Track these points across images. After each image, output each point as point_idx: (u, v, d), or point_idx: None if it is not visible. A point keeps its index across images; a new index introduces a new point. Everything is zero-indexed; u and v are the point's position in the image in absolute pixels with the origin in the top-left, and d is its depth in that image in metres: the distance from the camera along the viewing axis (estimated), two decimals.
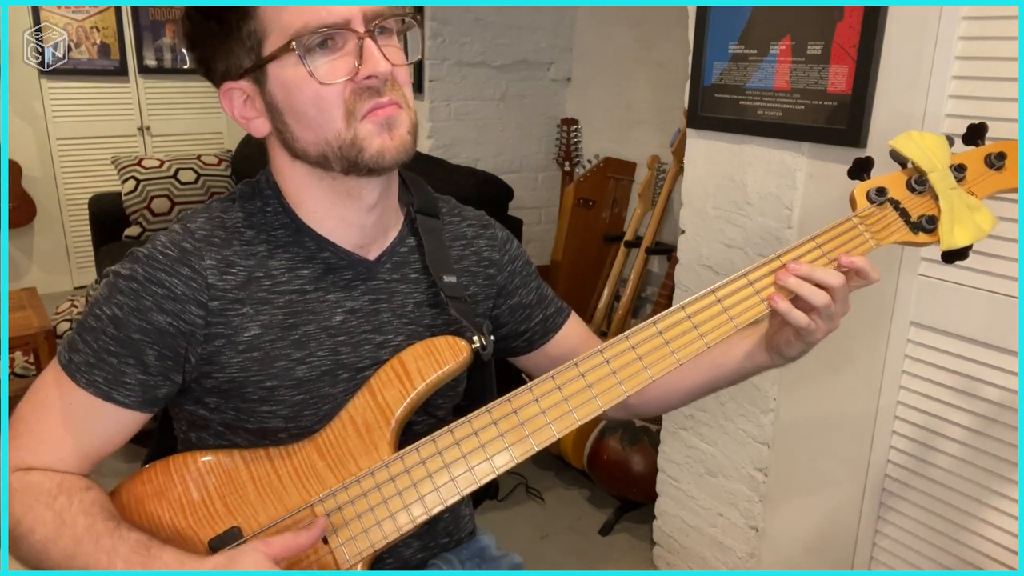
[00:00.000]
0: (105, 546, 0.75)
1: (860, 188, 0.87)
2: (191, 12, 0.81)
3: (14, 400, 0.84)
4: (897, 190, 0.86)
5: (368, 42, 0.77)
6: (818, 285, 0.81)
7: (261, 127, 0.84)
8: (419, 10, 2.88)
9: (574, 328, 1.06)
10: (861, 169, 0.87)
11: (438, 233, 0.95)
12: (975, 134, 0.88)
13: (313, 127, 0.80)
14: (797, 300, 0.82)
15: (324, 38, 0.77)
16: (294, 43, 0.76)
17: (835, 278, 0.81)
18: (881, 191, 0.86)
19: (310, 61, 0.77)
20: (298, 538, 0.77)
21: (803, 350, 0.88)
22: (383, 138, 0.80)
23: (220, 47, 0.81)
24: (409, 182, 0.97)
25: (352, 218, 0.87)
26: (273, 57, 0.78)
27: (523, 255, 1.05)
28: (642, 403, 1.02)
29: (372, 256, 0.91)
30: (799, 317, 0.82)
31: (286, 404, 0.85)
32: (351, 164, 0.80)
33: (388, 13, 0.80)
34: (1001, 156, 0.87)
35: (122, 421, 0.83)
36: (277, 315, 0.84)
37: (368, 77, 0.77)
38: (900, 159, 0.87)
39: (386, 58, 0.78)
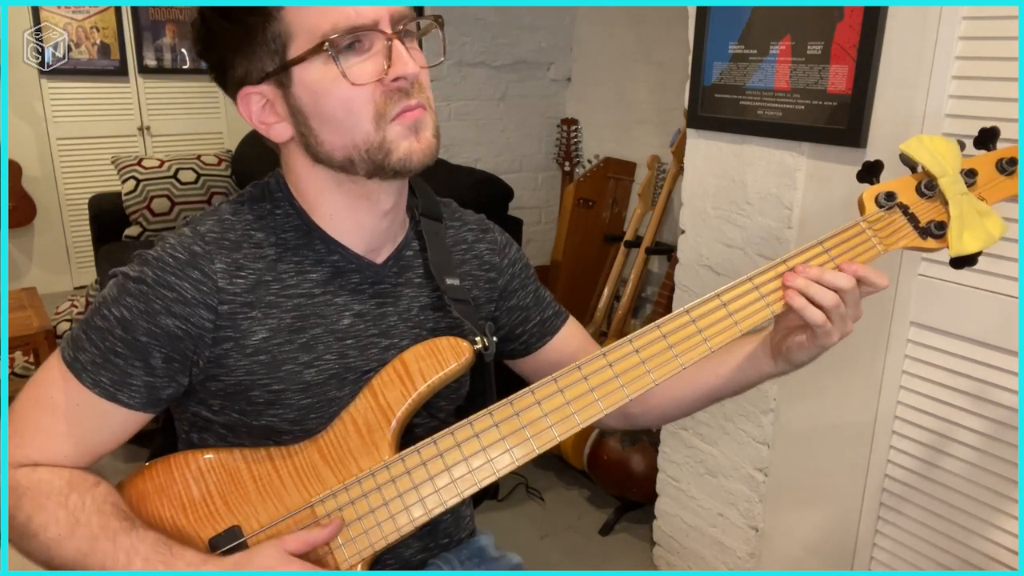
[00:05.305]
0: (123, 544, 0.75)
1: (869, 192, 0.85)
2: (208, 14, 0.80)
3: (14, 400, 0.84)
4: (906, 195, 0.85)
5: (397, 43, 0.77)
6: (827, 287, 0.81)
7: (282, 132, 0.83)
8: (419, 10, 2.88)
9: (572, 332, 1.06)
10: (870, 173, 0.86)
11: (441, 236, 0.95)
12: (986, 138, 0.86)
13: (341, 130, 0.79)
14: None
15: (353, 40, 0.76)
16: (326, 44, 0.75)
17: (845, 280, 0.80)
18: (890, 196, 0.85)
19: (341, 63, 0.76)
20: (312, 534, 0.78)
21: (814, 355, 0.87)
22: (410, 141, 0.79)
23: (240, 51, 0.80)
24: (414, 185, 0.97)
25: (367, 222, 0.87)
26: (300, 60, 0.77)
27: (522, 258, 1.05)
28: (643, 412, 1.01)
29: (380, 260, 0.91)
30: (815, 314, 0.81)
31: (293, 408, 0.85)
32: (377, 167, 0.80)
33: (413, 16, 0.80)
34: (1013, 161, 0.86)
35: (125, 420, 0.83)
36: (285, 319, 0.84)
37: (397, 79, 0.77)
38: (910, 163, 0.86)
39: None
